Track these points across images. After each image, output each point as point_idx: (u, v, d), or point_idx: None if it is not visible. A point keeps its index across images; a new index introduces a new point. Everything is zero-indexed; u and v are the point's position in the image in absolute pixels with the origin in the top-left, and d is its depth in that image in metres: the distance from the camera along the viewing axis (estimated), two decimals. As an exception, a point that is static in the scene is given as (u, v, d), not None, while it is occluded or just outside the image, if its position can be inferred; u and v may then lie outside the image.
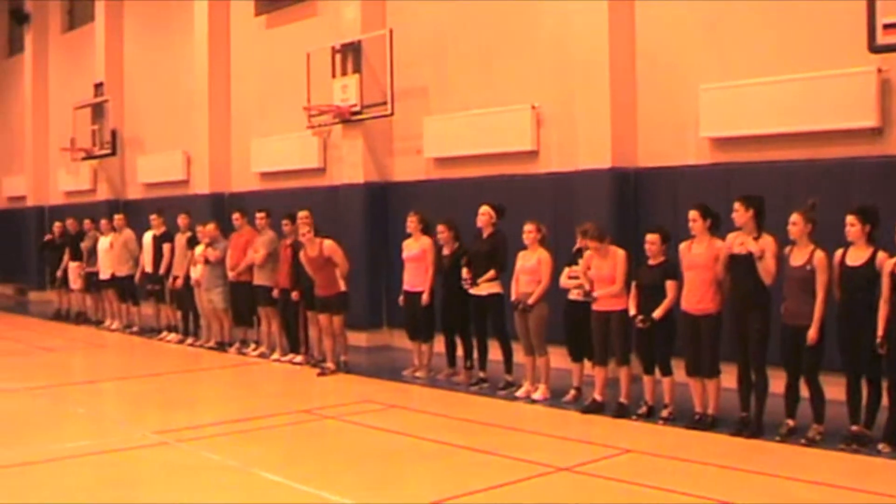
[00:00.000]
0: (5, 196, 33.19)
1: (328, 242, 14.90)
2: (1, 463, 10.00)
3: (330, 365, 15.12)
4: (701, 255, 10.73)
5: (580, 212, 13.84)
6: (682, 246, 10.98)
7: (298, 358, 16.09)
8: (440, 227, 14.08)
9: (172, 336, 19.16)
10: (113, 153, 25.80)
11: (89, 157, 26.58)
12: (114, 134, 25.68)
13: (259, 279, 16.56)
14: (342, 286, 15.09)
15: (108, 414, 13.16)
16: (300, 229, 15.07)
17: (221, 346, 17.69)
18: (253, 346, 17.26)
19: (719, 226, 10.81)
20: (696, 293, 10.73)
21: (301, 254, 15.09)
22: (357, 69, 17.86)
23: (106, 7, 26.67)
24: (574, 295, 12.27)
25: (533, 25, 15.76)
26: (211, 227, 17.62)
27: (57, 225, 24.07)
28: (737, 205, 10.42)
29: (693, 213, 10.83)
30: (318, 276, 14.97)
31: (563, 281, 12.44)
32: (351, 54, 18.03)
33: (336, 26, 18.65)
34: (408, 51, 17.32)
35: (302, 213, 15.62)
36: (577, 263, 12.16)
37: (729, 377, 10.73)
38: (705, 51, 13.51)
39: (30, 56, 31.22)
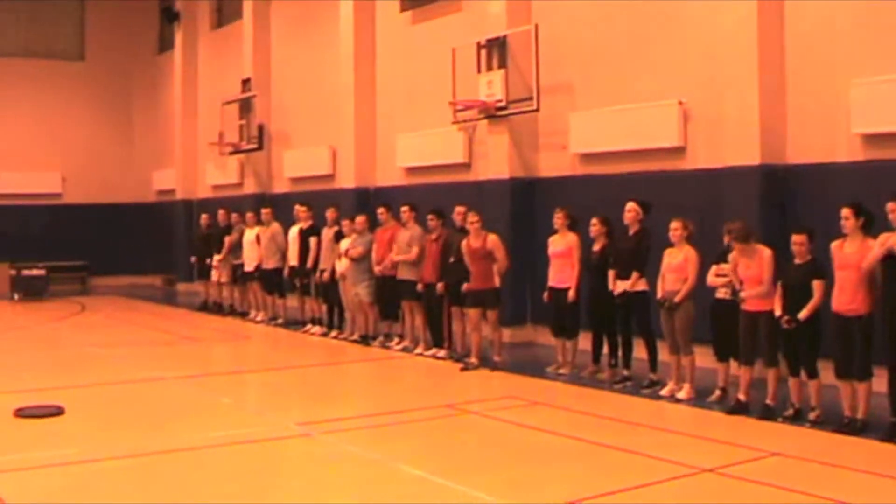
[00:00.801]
0: (155, 189, 33.94)
1: (493, 237, 15.08)
2: (149, 450, 10.22)
3: (473, 360, 15.14)
4: (853, 254, 10.45)
5: (728, 209, 13.64)
6: (834, 245, 10.71)
7: (442, 352, 16.13)
8: (594, 221, 14.01)
9: (317, 329, 19.40)
10: (260, 148, 26.18)
11: (236, 151, 27.03)
12: (261, 129, 26.06)
13: (403, 274, 16.64)
14: (497, 282, 15.15)
15: (253, 404, 13.41)
16: (469, 218, 15.17)
17: (365, 340, 17.84)
18: (396, 340, 17.34)
19: (872, 225, 10.52)
20: (847, 293, 10.47)
21: (464, 243, 15.16)
22: (502, 64, 17.84)
23: (253, 4, 27.07)
24: (721, 294, 12.08)
25: (680, 19, 15.55)
26: (360, 220, 17.85)
27: (204, 217, 24.56)
28: (891, 204, 10.12)
29: (846, 211, 10.56)
30: (475, 267, 15.04)
31: (711, 279, 12.24)
32: (496, 50, 18.01)
33: (481, 22, 18.65)
34: (553, 46, 17.24)
35: (459, 208, 15.82)
36: (725, 261, 11.96)
37: (879, 380, 10.45)
38: (857, 44, 13.17)
39: (179, 53, 31.90)
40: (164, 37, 34.10)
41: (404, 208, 16.90)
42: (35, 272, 29.37)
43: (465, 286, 15.16)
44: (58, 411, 12.05)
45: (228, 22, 29.86)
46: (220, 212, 24.00)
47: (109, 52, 34.57)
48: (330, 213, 19.03)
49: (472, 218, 15.10)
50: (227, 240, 22.74)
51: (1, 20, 33.58)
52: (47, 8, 34.07)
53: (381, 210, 17.68)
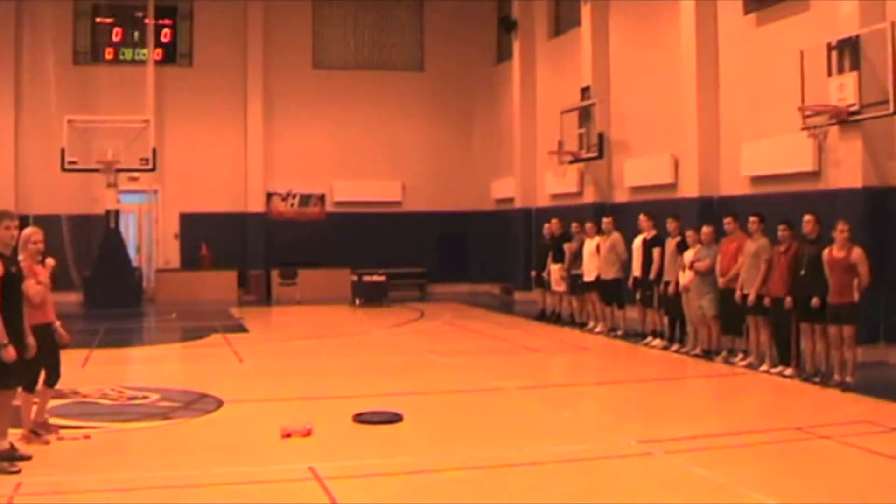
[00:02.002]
0: (494, 198, 34.12)
1: (858, 249, 14.33)
2: (485, 463, 10.06)
3: (839, 377, 14.35)
4: None
5: None
6: None
7: (788, 370, 15.33)
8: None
9: (657, 342, 18.87)
10: (600, 156, 25.87)
11: (576, 160, 26.83)
12: (600, 137, 25.74)
13: (747, 287, 15.94)
14: (856, 297, 14.33)
15: (592, 419, 13.08)
16: (839, 227, 14.43)
17: (707, 355, 17.21)
18: (741, 356, 16.63)
19: None
20: None
21: (825, 252, 14.44)
22: (855, 66, 16.86)
23: (591, 11, 26.78)
24: None
25: None
26: (706, 231, 17.36)
27: (546, 227, 24.44)
28: None
29: None
30: (833, 279, 14.33)
31: None
32: (848, 50, 17.04)
33: (831, 21, 17.69)
34: (911, 44, 16.17)
35: (808, 217, 15.10)
36: None
37: None
38: None
39: (517, 62, 31.95)
40: (502, 46, 34.28)
41: (753, 218, 16.17)
42: (376, 278, 30.10)
43: (815, 300, 14.42)
44: (396, 418, 12.06)
45: (566, 30, 29.67)
46: (554, 221, 23.87)
47: (448, 62, 35.30)
48: (671, 224, 18.48)
49: (842, 226, 14.36)
50: (568, 248, 22.54)
51: (346, 34, 34.93)
52: (389, 21, 35.22)
53: (727, 220, 17.03)
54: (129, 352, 20.73)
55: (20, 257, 10.81)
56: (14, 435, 10.50)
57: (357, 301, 29.68)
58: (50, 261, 11.27)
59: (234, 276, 32.73)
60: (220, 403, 13.47)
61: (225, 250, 32.97)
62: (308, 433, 11.26)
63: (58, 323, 11.31)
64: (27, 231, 11.09)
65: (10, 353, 9.59)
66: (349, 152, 34.29)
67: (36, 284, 10.82)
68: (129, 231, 32.70)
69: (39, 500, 8.98)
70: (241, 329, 23.66)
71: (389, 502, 8.77)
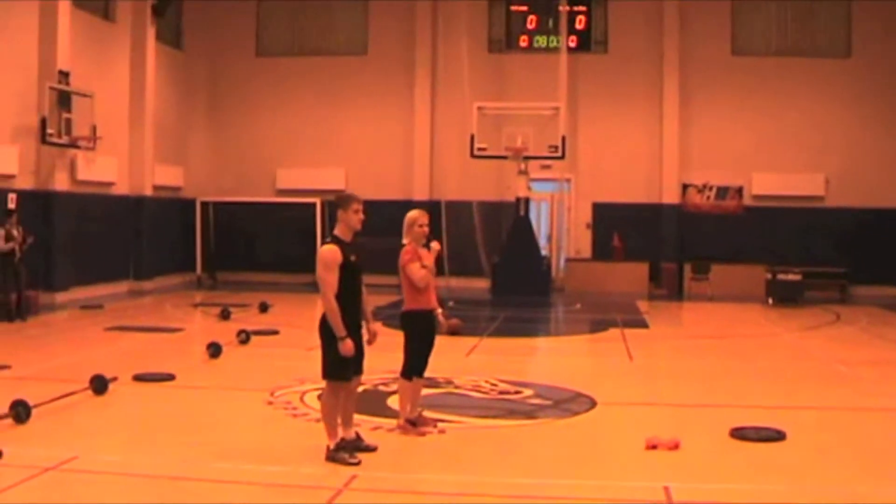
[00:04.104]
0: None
1: None
2: (873, 500, 8.76)
3: None
4: None
5: None
6: None
7: None
8: None
9: None
10: None
11: None
12: None
13: None
14: None
15: None
16: None
17: None
18: None
19: None
20: None
21: None
22: None
23: None
24: None
25: None
26: None
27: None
28: None
29: None
30: None
31: None
32: None
33: None
34: None
35: None
36: None
37: None
38: None
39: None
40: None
41: None
42: (791, 277, 28.65)
43: None
44: (778, 436, 10.87)
45: None
46: None
47: (877, 48, 32.54)
48: None
49: None
50: None
51: (767, 20, 33.60)
52: (813, 6, 33.29)
53: None
54: (519, 342, 20.37)
55: (404, 240, 10.80)
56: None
57: (770, 300, 28.28)
58: (435, 245, 11.01)
59: (645, 268, 32.16)
60: (592, 404, 12.84)
61: (637, 242, 32.45)
62: (675, 446, 10.40)
63: (438, 310, 11.14)
64: (413, 213, 11.01)
65: (349, 347, 9.31)
66: (769, 143, 32.77)
67: (420, 268, 10.63)
68: (540, 219, 32.81)
69: (364, 498, 8.71)
70: (642, 324, 22.90)
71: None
